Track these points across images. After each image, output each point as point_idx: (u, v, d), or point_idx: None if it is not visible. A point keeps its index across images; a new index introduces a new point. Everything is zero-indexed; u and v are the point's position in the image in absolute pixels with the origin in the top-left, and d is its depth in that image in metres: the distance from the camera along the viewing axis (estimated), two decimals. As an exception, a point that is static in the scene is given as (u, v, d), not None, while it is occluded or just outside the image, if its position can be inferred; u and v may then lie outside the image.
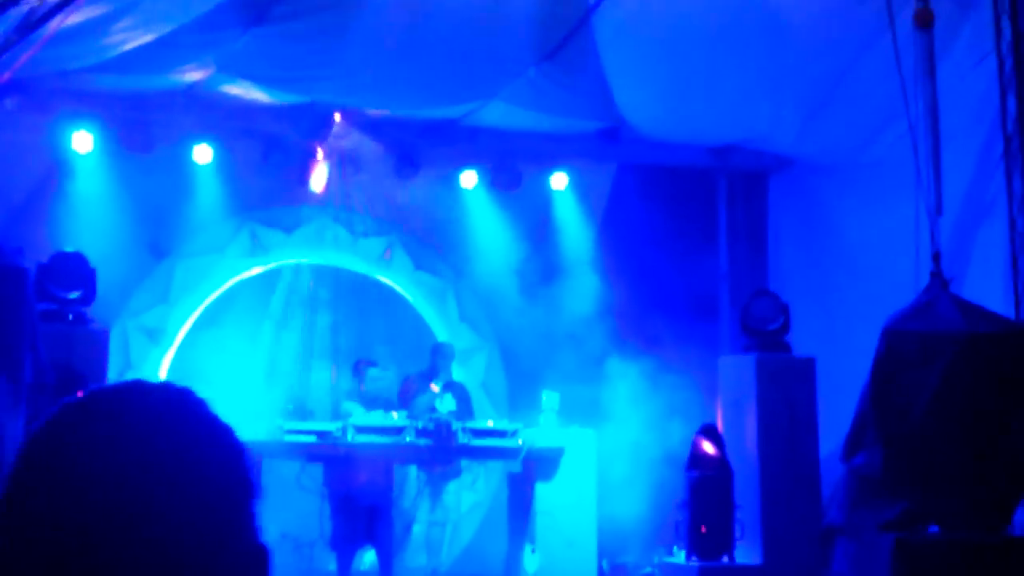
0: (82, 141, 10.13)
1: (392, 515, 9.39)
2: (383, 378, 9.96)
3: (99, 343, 7.87)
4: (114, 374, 9.37)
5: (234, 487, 1.37)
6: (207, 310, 11.00)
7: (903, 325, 8.19)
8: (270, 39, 9.29)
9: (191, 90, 10.04)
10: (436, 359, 10.11)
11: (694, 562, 8.66)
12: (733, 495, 8.74)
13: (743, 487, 8.85)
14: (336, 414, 9.53)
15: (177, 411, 1.38)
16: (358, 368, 9.99)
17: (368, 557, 9.74)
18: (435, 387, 9.90)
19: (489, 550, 10.42)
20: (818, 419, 9.23)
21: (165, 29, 8.83)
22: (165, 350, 10.77)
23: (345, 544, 9.14)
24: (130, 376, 8.96)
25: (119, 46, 8.95)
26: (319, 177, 10.72)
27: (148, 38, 8.88)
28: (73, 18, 7.89)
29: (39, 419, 4.34)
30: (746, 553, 8.84)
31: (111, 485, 1.30)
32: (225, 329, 10.87)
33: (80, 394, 1.48)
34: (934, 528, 7.88)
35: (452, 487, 10.16)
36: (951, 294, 8.26)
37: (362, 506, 9.07)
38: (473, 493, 10.82)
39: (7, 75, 7.09)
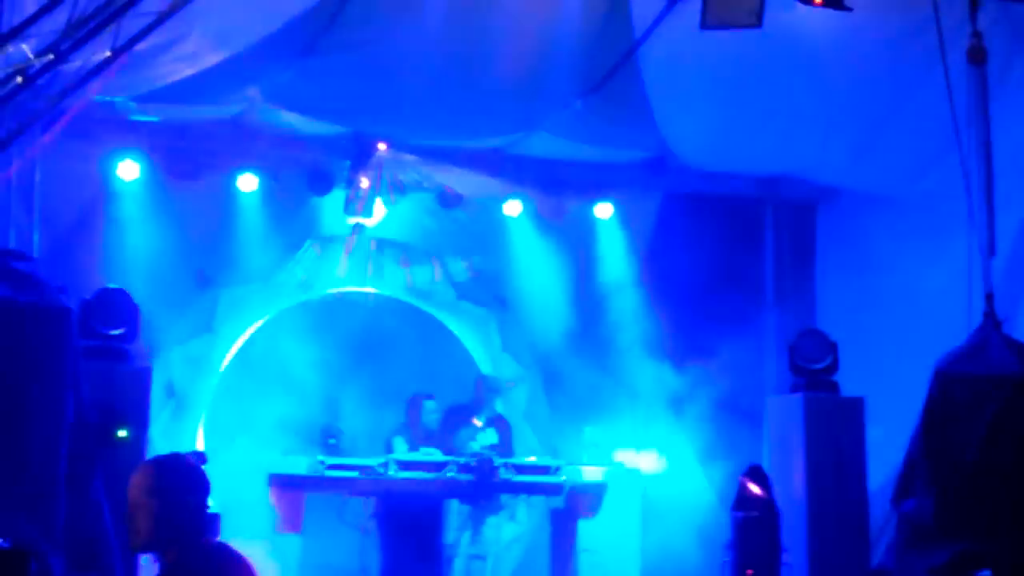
0: (128, 170, 10.16)
1: (442, 548, 9.35)
2: (438, 411, 9.90)
3: (142, 381, 7.87)
4: (157, 403, 9.39)
5: None
6: (250, 339, 10.99)
7: (955, 367, 8.05)
8: (316, 71, 9.28)
9: (236, 119, 10.06)
10: (481, 392, 10.05)
11: (740, 606, 8.52)
12: (780, 536, 8.59)
13: (790, 528, 8.70)
14: (387, 449, 9.51)
15: None
16: (415, 401, 9.92)
17: None
18: (478, 422, 9.83)
19: (531, 584, 10.35)
20: (867, 460, 9.08)
21: (213, 61, 8.84)
22: (209, 378, 10.77)
23: None
24: (172, 406, 8.98)
25: (167, 77, 8.97)
26: (363, 207, 10.68)
27: (195, 70, 8.89)
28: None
29: (79, 464, 4.32)
30: (792, 596, 8.70)
31: None
32: (269, 358, 10.85)
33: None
34: (985, 573, 7.72)
35: (493, 520, 10.07)
36: (1004, 335, 8.11)
37: (411, 539, 9.03)
38: (515, 525, 10.73)
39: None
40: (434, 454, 9.14)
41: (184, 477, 3.53)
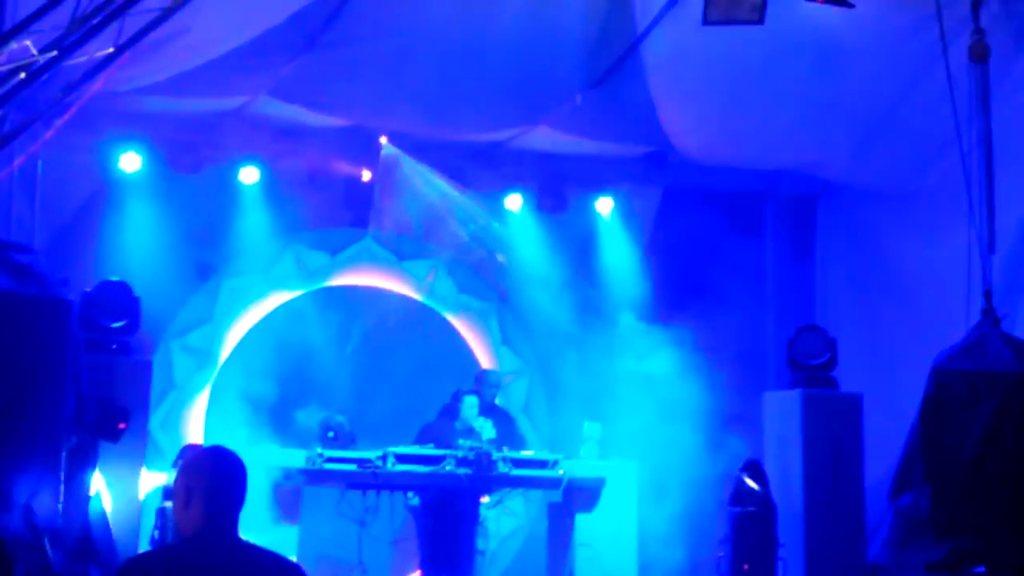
0: (130, 162, 10.18)
1: (475, 543, 9.42)
2: (477, 407, 9.87)
3: (142, 374, 7.90)
4: (157, 394, 9.42)
5: None
6: (250, 331, 11.01)
7: (952, 364, 8.07)
8: (319, 64, 9.30)
9: (239, 112, 10.08)
10: (480, 387, 10.06)
11: (735, 600, 8.56)
12: (776, 532, 8.63)
13: (787, 524, 8.74)
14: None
15: None
16: (457, 396, 9.93)
17: None
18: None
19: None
20: (864, 456, 9.10)
21: (215, 54, 8.86)
22: (209, 370, 10.79)
23: (431, 571, 9.22)
24: (172, 396, 9.02)
25: (169, 70, 8.98)
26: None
27: (198, 63, 8.90)
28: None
29: (78, 458, 4.30)
30: (788, 592, 8.74)
31: None
32: (269, 350, 10.86)
33: None
34: (980, 569, 7.74)
35: (492, 514, 10.10)
36: (1002, 332, 8.12)
37: (448, 533, 9.13)
38: (513, 518, 10.77)
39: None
40: (475, 446, 9.19)
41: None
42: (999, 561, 7.64)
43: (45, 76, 5.85)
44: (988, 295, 8.19)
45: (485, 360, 11.43)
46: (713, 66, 9.40)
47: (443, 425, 9.64)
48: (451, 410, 9.84)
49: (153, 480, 8.09)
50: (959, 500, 7.78)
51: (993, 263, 8.27)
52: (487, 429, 9.68)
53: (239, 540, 3.50)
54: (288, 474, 8.71)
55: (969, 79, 8.25)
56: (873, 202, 11.30)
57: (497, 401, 10.29)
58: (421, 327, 11.50)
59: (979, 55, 8.18)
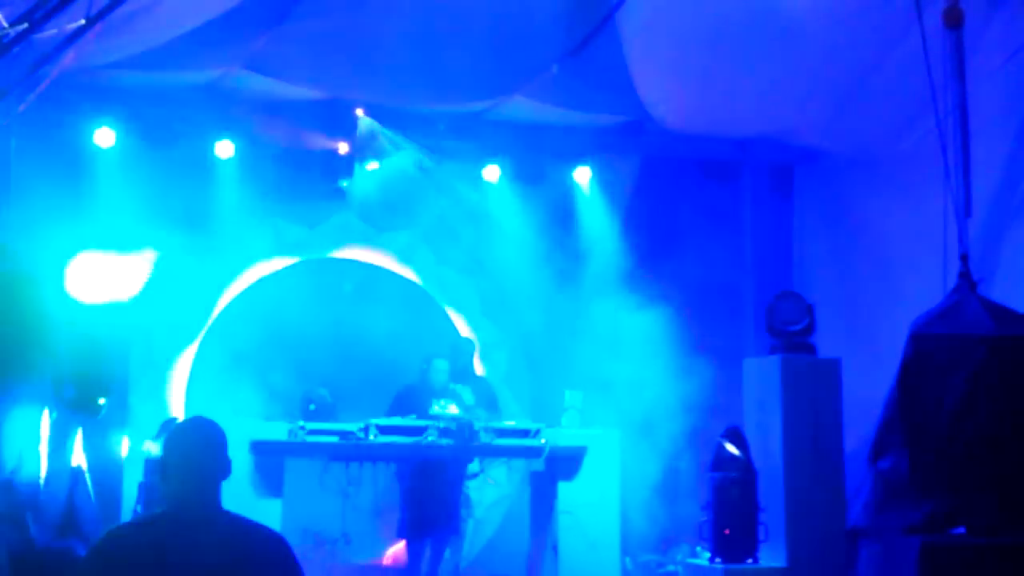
0: (104, 137, 10.11)
1: (460, 510, 9.45)
2: (446, 371, 9.88)
3: (124, 349, 7.86)
4: (137, 368, 9.41)
5: None
6: (230, 304, 10.98)
7: (930, 328, 8.11)
8: (293, 36, 9.25)
9: (214, 85, 10.01)
10: (455, 356, 10.06)
11: (718, 564, 8.59)
12: (757, 497, 8.66)
13: (767, 489, 8.77)
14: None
15: None
16: (428, 359, 9.93)
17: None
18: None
19: (511, 545, 10.44)
20: (843, 420, 9.15)
21: (189, 26, 8.80)
22: (189, 344, 10.76)
23: (415, 536, 9.24)
24: (151, 372, 8.97)
25: (142, 43, 8.92)
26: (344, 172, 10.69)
27: (171, 36, 8.84)
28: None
29: (58, 433, 4.32)
30: (770, 555, 8.78)
31: None
32: (249, 323, 10.85)
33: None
34: (960, 531, 7.82)
35: (475, 483, 10.13)
36: (979, 296, 8.17)
37: (432, 501, 9.14)
38: (496, 487, 10.80)
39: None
40: (445, 408, 9.19)
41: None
42: (977, 522, 7.71)
43: (16, 49, 5.80)
44: (965, 259, 8.23)
45: (464, 331, 11.43)
46: (689, 35, 9.39)
47: (421, 387, 9.65)
48: (422, 373, 9.87)
49: (134, 450, 8.08)
50: (938, 463, 7.84)
51: (969, 227, 8.32)
52: (466, 394, 9.69)
53: (221, 510, 3.49)
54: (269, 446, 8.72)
55: (944, 43, 8.26)
56: (850, 168, 11.33)
57: (481, 372, 10.31)
58: (400, 299, 11.50)
59: (954, 20, 8.19)
